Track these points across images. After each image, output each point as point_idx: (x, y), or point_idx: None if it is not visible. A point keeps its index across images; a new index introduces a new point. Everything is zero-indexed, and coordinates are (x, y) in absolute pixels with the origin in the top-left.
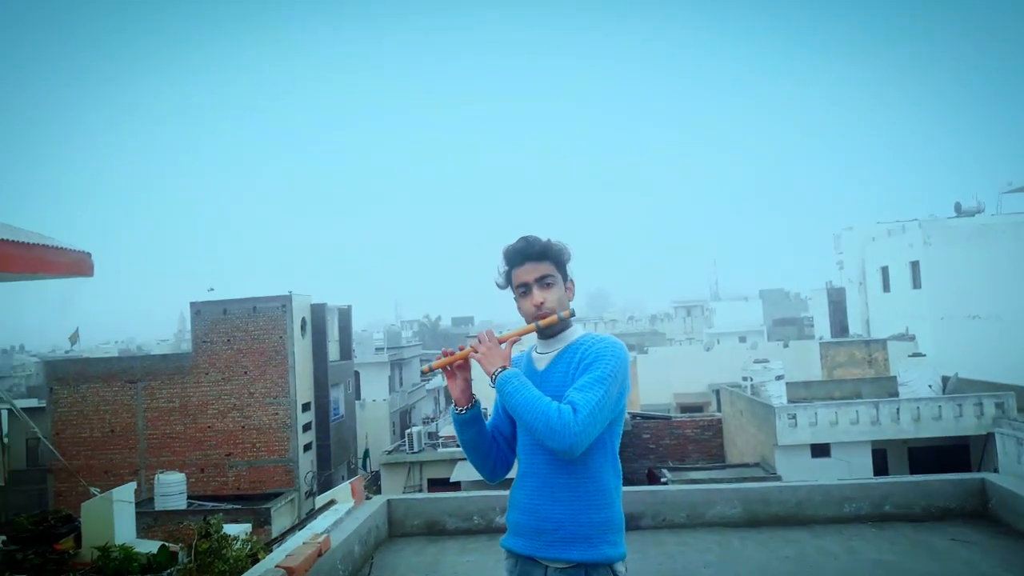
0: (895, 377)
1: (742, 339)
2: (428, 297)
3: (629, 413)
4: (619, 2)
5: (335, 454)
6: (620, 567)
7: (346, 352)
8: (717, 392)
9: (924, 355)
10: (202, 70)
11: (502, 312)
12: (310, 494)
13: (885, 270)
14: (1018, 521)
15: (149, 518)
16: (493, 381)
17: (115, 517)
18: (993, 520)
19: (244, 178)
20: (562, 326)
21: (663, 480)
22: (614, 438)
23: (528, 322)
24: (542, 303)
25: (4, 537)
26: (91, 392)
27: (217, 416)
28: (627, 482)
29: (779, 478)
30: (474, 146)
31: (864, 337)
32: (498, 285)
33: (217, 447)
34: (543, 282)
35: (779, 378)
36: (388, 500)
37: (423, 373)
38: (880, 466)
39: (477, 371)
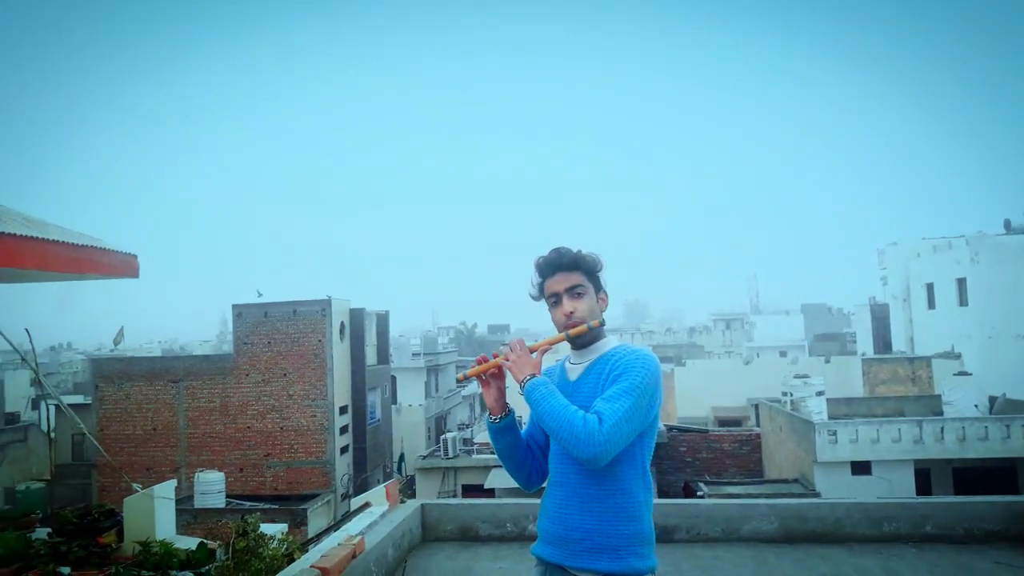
0: (940, 396)
1: (783, 353)
2: (465, 304)
3: (665, 425)
4: (658, 6)
5: (371, 457)
6: None
7: (383, 357)
8: (756, 407)
9: (970, 374)
10: (234, 67)
11: (538, 321)
12: (346, 496)
13: (931, 287)
14: None
15: (189, 515)
16: (522, 389)
17: (156, 513)
18: None
19: (284, 182)
20: (593, 336)
21: (699, 494)
22: (645, 451)
23: (559, 332)
24: (572, 313)
25: (49, 529)
26: (135, 390)
27: (256, 417)
28: (662, 495)
29: (818, 495)
30: (512, 152)
31: (908, 354)
32: (532, 296)
33: (256, 447)
34: (573, 292)
35: (820, 394)
36: (422, 504)
37: (458, 380)
38: (923, 486)
39: (512, 380)
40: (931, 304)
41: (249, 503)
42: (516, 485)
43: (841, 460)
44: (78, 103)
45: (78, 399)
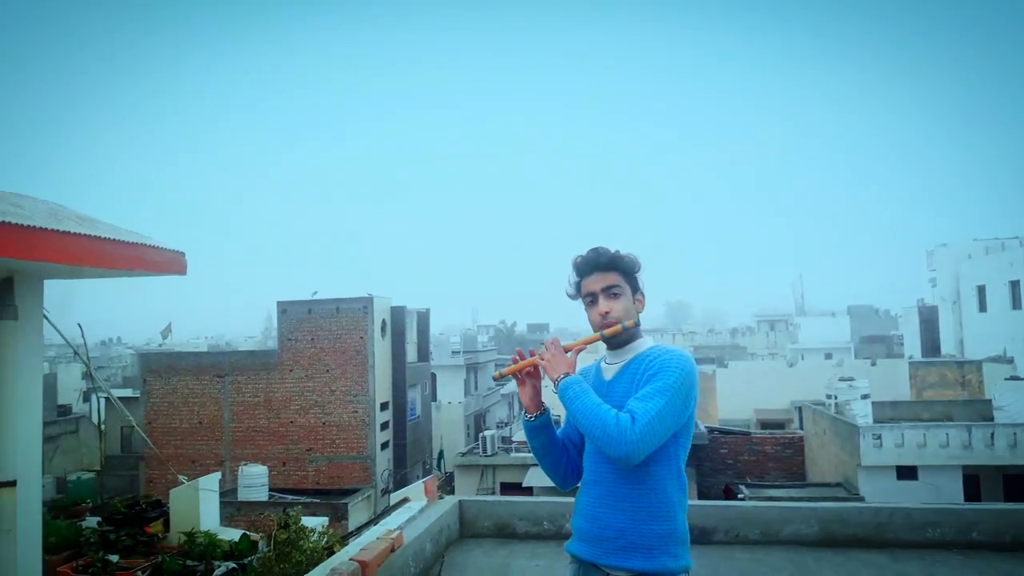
0: (990, 400)
1: (828, 356)
2: (505, 303)
3: (706, 427)
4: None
5: (410, 453)
6: None
7: (423, 354)
8: (799, 409)
9: (1023, 379)
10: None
11: (577, 320)
12: (386, 491)
13: (982, 289)
14: None
15: (232, 508)
16: (556, 387)
17: (201, 504)
18: None
19: (325, 178)
20: (628, 336)
21: (740, 496)
22: (680, 451)
23: (594, 331)
24: (607, 312)
25: (99, 518)
26: (181, 384)
27: (299, 412)
28: (703, 496)
29: (862, 499)
30: (555, 149)
31: (957, 358)
32: (569, 296)
33: (298, 442)
34: (609, 292)
35: (865, 397)
36: (460, 501)
37: (494, 378)
38: (972, 492)
39: (548, 379)
40: (982, 307)
41: (291, 497)
42: (554, 484)
43: (886, 464)
44: (100, 96)
45: (127, 392)
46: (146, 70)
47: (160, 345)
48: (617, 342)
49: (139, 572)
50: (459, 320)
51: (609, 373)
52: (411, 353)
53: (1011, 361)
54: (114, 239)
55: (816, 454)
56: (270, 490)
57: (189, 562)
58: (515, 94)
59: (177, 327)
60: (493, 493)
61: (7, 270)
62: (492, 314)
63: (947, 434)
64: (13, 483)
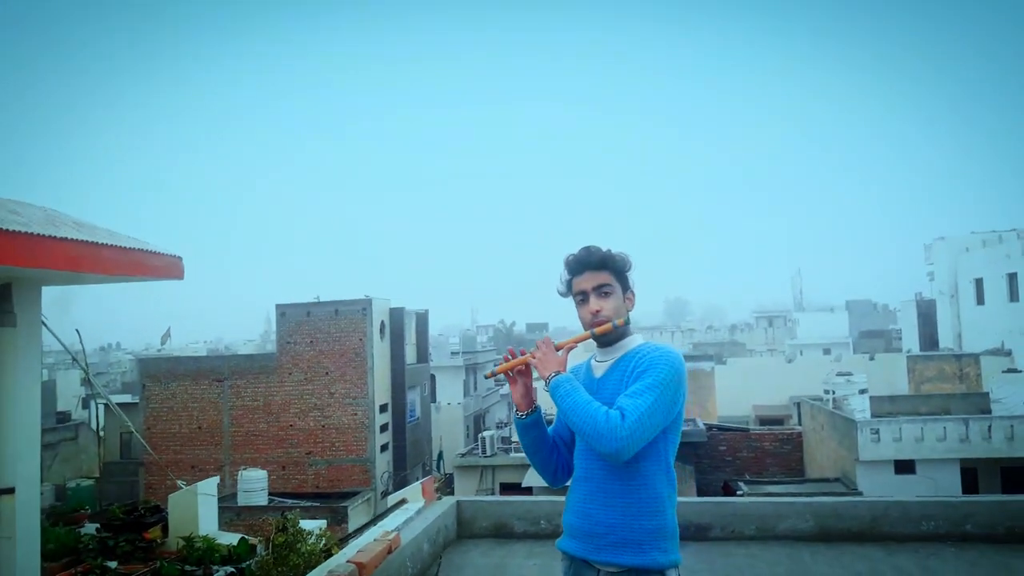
0: (988, 393)
1: (826, 351)
2: (504, 302)
3: (705, 424)
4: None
5: (410, 455)
6: (672, 574)
7: (423, 356)
8: (798, 405)
9: (1020, 371)
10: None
11: (576, 319)
12: (386, 494)
13: (979, 282)
14: None
15: (232, 513)
16: (547, 385)
17: (199, 509)
18: None
19: (322, 179)
20: (619, 334)
21: (739, 493)
22: (669, 447)
23: (585, 330)
24: (598, 311)
25: (98, 524)
26: (181, 389)
27: (299, 415)
28: (701, 493)
29: (860, 494)
30: (551, 148)
31: (955, 351)
32: (560, 293)
33: (298, 445)
34: (600, 291)
35: (863, 392)
36: (457, 501)
37: (486, 377)
38: (970, 485)
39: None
40: (980, 300)
41: (291, 501)
42: (545, 481)
43: (884, 459)
44: (99, 100)
45: (126, 398)
46: (142, 72)
47: (159, 350)
48: (607, 340)
49: None
50: (458, 320)
51: (599, 370)
52: (410, 354)
53: (1009, 354)
54: (111, 244)
55: (814, 449)
56: (270, 494)
57: (188, 567)
58: (513, 93)
59: (176, 331)
60: (493, 493)
61: (5, 277)
62: (491, 313)
63: (944, 427)
64: (12, 490)
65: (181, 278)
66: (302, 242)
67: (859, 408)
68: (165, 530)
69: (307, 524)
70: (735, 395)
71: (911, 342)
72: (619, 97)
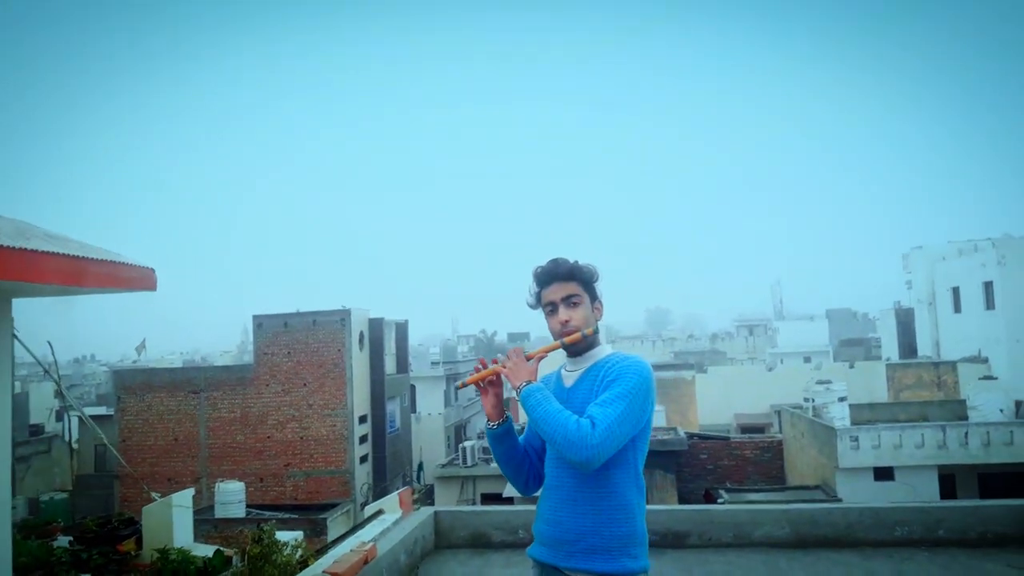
0: (965, 400)
1: (807, 359)
2: (485, 312)
3: (686, 433)
4: (679, 8)
5: (390, 466)
6: None
7: (402, 366)
8: (779, 413)
9: (996, 378)
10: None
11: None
12: (365, 505)
13: (956, 290)
14: None
15: (209, 525)
16: (518, 395)
17: (174, 521)
18: None
19: (299, 189)
20: (588, 344)
21: (720, 501)
22: (638, 455)
23: (555, 340)
24: (567, 321)
25: (71, 538)
26: (156, 401)
27: (276, 427)
28: (683, 501)
29: (840, 501)
30: (531, 157)
31: (933, 359)
32: (529, 305)
33: (276, 457)
34: (569, 301)
35: (842, 399)
36: (435, 512)
37: (457, 387)
38: (948, 491)
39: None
40: (957, 308)
41: (269, 513)
42: (516, 490)
43: (863, 466)
44: (86, 104)
45: (101, 410)
46: (141, 72)
47: (134, 361)
48: (577, 350)
49: None
50: (439, 330)
51: (569, 380)
52: (390, 365)
53: (986, 361)
54: (82, 256)
55: (795, 457)
56: (248, 506)
57: None
58: (494, 101)
59: (152, 343)
60: (474, 504)
61: None
62: (472, 323)
63: (922, 434)
64: None
65: (154, 289)
66: (280, 252)
67: (839, 416)
68: (139, 543)
69: (282, 535)
70: (716, 404)
71: (890, 350)
72: (602, 106)
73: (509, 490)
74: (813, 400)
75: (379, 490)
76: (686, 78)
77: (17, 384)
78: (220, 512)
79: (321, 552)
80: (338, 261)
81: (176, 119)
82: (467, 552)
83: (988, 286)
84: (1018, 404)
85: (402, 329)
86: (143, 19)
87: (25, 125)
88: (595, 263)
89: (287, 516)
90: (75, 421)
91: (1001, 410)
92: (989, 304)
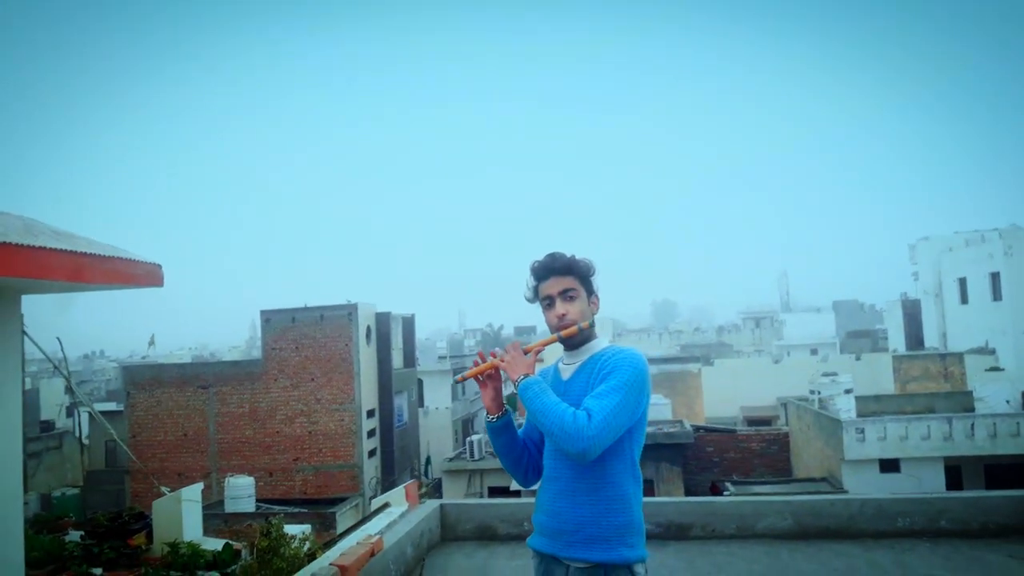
0: (971, 392)
1: (813, 351)
2: (492, 305)
3: (692, 425)
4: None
5: (398, 460)
6: (639, 568)
7: (410, 360)
8: (785, 406)
9: (1003, 369)
10: (244, 68)
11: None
12: (373, 499)
13: (963, 281)
14: None
15: (219, 520)
16: (516, 387)
17: (183, 515)
18: None
19: (308, 184)
20: (584, 337)
21: (726, 493)
22: (634, 445)
23: (552, 333)
24: (564, 315)
25: (82, 532)
26: (166, 397)
27: (285, 421)
28: (689, 494)
29: (845, 493)
30: (539, 151)
31: (940, 350)
32: (527, 299)
33: (285, 452)
34: (566, 295)
35: (848, 392)
36: (441, 504)
37: (456, 381)
38: (954, 483)
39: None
40: (964, 299)
41: (279, 507)
42: (516, 481)
43: (869, 458)
44: (88, 102)
45: (111, 406)
46: (142, 72)
47: (144, 357)
48: (574, 343)
49: None
50: (446, 324)
51: (566, 373)
52: (397, 359)
53: (993, 352)
54: (89, 253)
55: (801, 450)
56: (257, 501)
57: (172, 573)
58: (500, 95)
59: (161, 338)
60: (481, 497)
61: None
62: (479, 317)
63: (928, 426)
64: None
65: (161, 285)
66: (287, 247)
67: (844, 408)
68: (150, 537)
69: (291, 528)
70: (723, 396)
71: (897, 342)
72: (609, 99)
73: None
74: (819, 392)
75: (387, 484)
76: (693, 75)
77: (27, 380)
78: (230, 507)
79: (329, 545)
80: (345, 256)
81: (180, 117)
82: (473, 544)
83: (995, 277)
84: None
85: (409, 323)
86: (143, 19)
87: (27, 124)
88: (594, 258)
89: (296, 510)
90: (85, 417)
91: (1007, 401)
92: (996, 295)
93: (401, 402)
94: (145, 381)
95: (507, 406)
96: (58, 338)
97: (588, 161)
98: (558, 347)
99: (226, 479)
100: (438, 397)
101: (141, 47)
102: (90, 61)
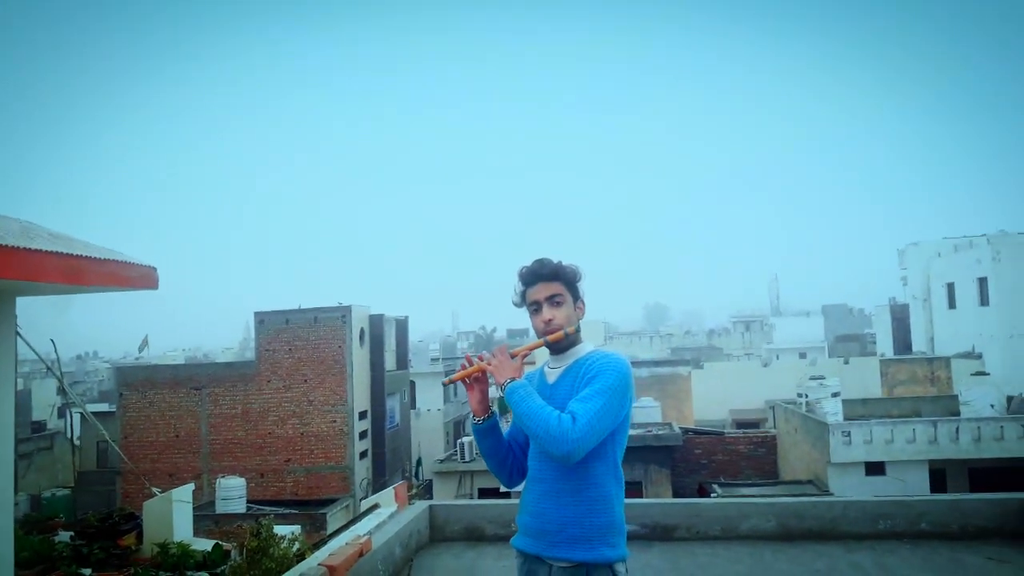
0: (957, 396)
1: (802, 355)
2: (485, 307)
3: (681, 428)
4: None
5: (390, 462)
6: (620, 568)
7: (402, 362)
8: (773, 408)
9: (988, 374)
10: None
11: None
12: (364, 500)
13: (951, 286)
14: None
15: (210, 521)
16: (502, 391)
17: (174, 516)
18: None
19: (301, 185)
20: (570, 342)
21: (713, 495)
22: (617, 448)
23: (539, 338)
24: (551, 320)
25: (72, 533)
26: (158, 398)
27: (277, 423)
28: (677, 495)
29: (831, 496)
30: (532, 154)
31: (927, 355)
32: (514, 304)
33: (277, 453)
34: (553, 300)
35: (835, 395)
36: (430, 505)
37: (444, 384)
38: (938, 486)
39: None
40: (952, 304)
41: (270, 508)
42: (500, 483)
43: (855, 461)
44: (88, 104)
45: (103, 407)
46: (142, 72)
47: (137, 358)
48: (559, 347)
49: None
50: (439, 326)
51: (552, 376)
52: (390, 361)
53: (979, 357)
54: (85, 256)
55: (788, 452)
56: (248, 502)
57: (162, 573)
58: (494, 96)
59: (154, 339)
60: (471, 499)
61: None
62: (473, 319)
63: (914, 430)
64: None
65: (155, 288)
66: (282, 249)
67: (831, 411)
68: (140, 537)
69: (280, 529)
70: (712, 399)
71: (885, 346)
72: (602, 102)
73: None
74: (807, 395)
75: (379, 485)
76: (680, 77)
77: (20, 381)
78: (221, 508)
79: (318, 546)
80: (339, 258)
81: (176, 118)
82: (461, 545)
83: (983, 282)
84: (1009, 399)
85: (402, 326)
86: (143, 19)
87: (27, 124)
88: (587, 260)
89: (287, 511)
90: (77, 418)
91: (992, 405)
92: (983, 300)
93: (393, 404)
94: (138, 382)
95: (493, 408)
96: (52, 340)
97: (582, 164)
98: (544, 350)
99: (217, 480)
100: (430, 399)
101: (141, 47)
102: (90, 61)
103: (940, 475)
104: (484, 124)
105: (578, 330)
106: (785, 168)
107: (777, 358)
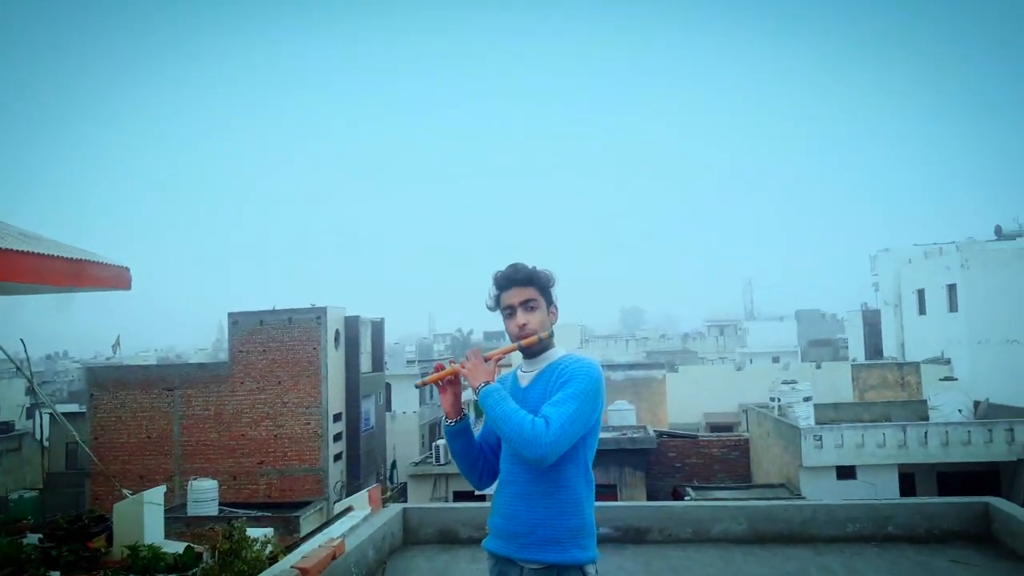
0: (926, 401)
1: (775, 359)
2: (462, 310)
3: (655, 431)
4: (656, 7)
5: (364, 464)
6: (591, 569)
7: (378, 364)
8: (746, 412)
9: (956, 379)
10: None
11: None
12: (338, 503)
13: (921, 292)
14: (1020, 545)
15: (181, 523)
16: (476, 394)
17: (145, 518)
18: (995, 543)
19: (278, 186)
20: (543, 346)
21: (687, 498)
22: (588, 451)
23: (512, 342)
24: (525, 324)
25: (41, 535)
26: (130, 398)
27: (250, 425)
28: (651, 499)
29: (803, 499)
30: (510, 155)
31: (898, 360)
32: (488, 308)
33: (250, 455)
34: (527, 305)
35: (807, 399)
36: (404, 508)
37: (416, 386)
38: (907, 490)
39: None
40: (922, 310)
41: (242, 511)
42: (471, 485)
43: (826, 465)
44: (87, 104)
45: (73, 408)
46: (126, 84)
47: (108, 359)
48: (533, 352)
49: None
50: (416, 328)
51: (525, 380)
52: (365, 363)
53: (948, 362)
54: (56, 256)
55: (761, 456)
56: (220, 504)
57: (132, 575)
58: (490, 97)
59: (126, 340)
60: (446, 502)
61: None
62: (449, 321)
63: (884, 434)
64: None
65: (128, 288)
66: (257, 250)
67: (803, 415)
68: (110, 540)
69: (253, 531)
70: (687, 403)
71: (857, 351)
72: (572, 106)
73: None
74: (779, 400)
75: (353, 488)
76: (680, 77)
77: None
78: (193, 510)
79: (291, 548)
80: (315, 259)
81: (176, 118)
82: (435, 548)
83: (952, 289)
84: (976, 404)
85: (378, 327)
86: (143, 19)
87: (27, 124)
88: (565, 264)
89: (260, 514)
90: (47, 418)
91: (960, 410)
92: (952, 306)
93: (368, 406)
94: (109, 382)
95: (466, 411)
96: (21, 339)
97: (559, 169)
98: (518, 353)
99: (189, 482)
100: (406, 401)
101: (141, 47)
102: (90, 61)
103: (909, 479)
104: (484, 124)
105: (551, 335)
106: (760, 174)
107: (751, 362)
